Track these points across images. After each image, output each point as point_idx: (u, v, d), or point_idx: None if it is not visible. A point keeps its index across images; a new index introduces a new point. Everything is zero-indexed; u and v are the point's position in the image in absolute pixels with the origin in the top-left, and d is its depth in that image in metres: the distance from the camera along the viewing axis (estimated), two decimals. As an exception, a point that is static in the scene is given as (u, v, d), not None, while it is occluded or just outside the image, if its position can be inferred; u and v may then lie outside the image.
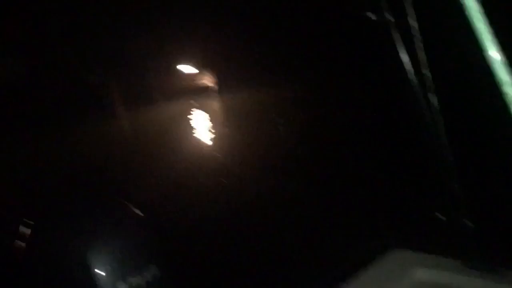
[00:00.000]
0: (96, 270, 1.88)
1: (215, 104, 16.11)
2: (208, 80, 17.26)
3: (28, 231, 1.88)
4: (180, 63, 17.04)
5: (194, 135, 13.25)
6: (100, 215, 2.09)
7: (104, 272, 1.88)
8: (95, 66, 16.94)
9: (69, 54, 17.48)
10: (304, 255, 4.95)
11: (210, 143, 11.82)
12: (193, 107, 15.85)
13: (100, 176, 9.55)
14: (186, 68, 17.06)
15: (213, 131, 13.33)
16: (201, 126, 14.22)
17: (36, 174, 10.34)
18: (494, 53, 2.04)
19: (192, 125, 14.35)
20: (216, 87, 16.70)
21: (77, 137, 13.61)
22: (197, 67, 16.84)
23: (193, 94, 16.59)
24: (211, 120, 14.50)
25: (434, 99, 2.17)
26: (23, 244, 1.84)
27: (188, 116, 15.10)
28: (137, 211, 2.07)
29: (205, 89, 16.84)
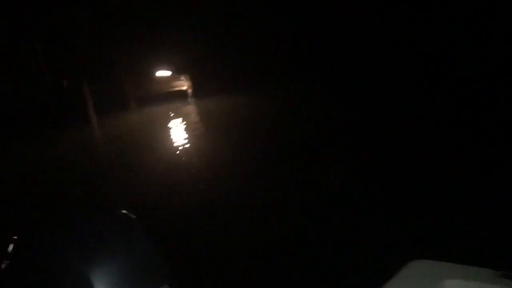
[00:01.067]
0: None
1: (189, 107, 15.88)
2: (182, 85, 17.01)
3: (11, 248, 1.53)
4: (155, 68, 16.75)
5: (168, 138, 12.97)
6: (89, 222, 1.72)
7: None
8: (69, 71, 16.42)
9: (42, 58, 16.84)
10: (330, 264, 4.60)
11: (184, 145, 11.56)
12: (167, 111, 15.59)
13: (73, 180, 9.16)
14: (161, 73, 16.80)
15: (187, 133, 13.09)
16: (176, 129, 13.95)
17: (10, 182, 9.75)
18: None
19: (167, 128, 14.07)
20: (190, 91, 16.50)
21: (50, 141, 13.11)
22: (172, 72, 16.56)
23: (168, 98, 16.34)
24: (184, 123, 14.26)
25: None
26: (6, 263, 1.49)
27: (163, 119, 14.84)
28: (131, 215, 1.71)
29: (180, 93, 16.63)
